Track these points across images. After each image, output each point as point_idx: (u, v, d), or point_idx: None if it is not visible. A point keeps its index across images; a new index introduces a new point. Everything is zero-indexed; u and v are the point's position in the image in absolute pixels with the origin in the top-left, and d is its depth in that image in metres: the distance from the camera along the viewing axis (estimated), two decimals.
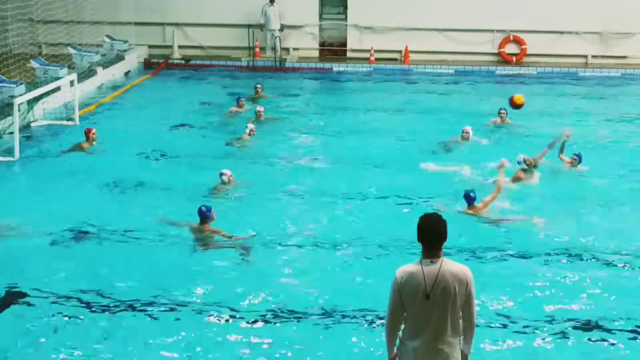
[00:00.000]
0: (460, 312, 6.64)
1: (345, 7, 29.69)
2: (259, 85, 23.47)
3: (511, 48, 29.20)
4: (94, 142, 17.44)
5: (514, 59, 28.98)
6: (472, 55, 29.19)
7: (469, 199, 13.28)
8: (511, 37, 29.03)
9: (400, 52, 29.16)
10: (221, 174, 14.66)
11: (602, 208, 13.99)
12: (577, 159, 15.81)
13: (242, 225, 12.74)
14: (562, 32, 28.83)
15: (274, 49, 28.89)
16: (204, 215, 12.17)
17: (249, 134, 18.20)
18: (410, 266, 6.65)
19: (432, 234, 6.56)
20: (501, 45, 29.15)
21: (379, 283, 9.73)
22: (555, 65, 28.52)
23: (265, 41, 29.17)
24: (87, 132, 17.52)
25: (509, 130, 19.40)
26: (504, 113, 19.83)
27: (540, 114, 21.45)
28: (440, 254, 6.60)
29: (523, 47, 29.00)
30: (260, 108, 20.40)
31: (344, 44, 29.95)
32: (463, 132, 17.98)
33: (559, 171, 15.80)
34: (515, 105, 15.44)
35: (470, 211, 13.22)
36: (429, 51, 29.04)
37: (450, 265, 6.60)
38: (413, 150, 17.66)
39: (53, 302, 10.20)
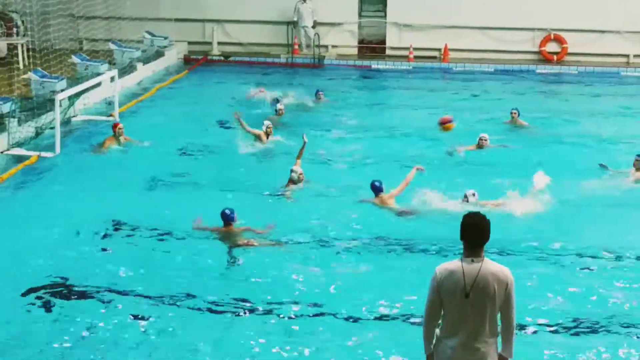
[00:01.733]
0: (499, 313, 6.60)
1: (385, 5, 29.62)
2: (321, 92, 22.65)
3: (552, 47, 28.97)
4: (121, 137, 17.42)
5: (555, 57, 28.74)
6: (513, 54, 28.99)
7: (376, 189, 13.51)
8: (552, 36, 28.80)
9: (439, 50, 29.04)
10: (292, 171, 14.47)
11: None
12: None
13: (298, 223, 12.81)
14: (603, 31, 28.53)
15: (308, 46, 28.94)
16: (229, 218, 12.18)
17: (266, 132, 17.62)
18: (451, 264, 6.63)
19: (474, 232, 6.52)
20: (542, 43, 28.93)
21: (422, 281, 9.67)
22: (596, 65, 28.24)
23: (300, 38, 29.22)
24: (114, 127, 17.53)
25: (522, 131, 19.21)
26: (515, 113, 19.70)
27: (577, 114, 21.33)
28: (482, 253, 6.57)
29: (564, 45, 28.75)
30: (280, 106, 20.31)
31: (383, 42, 29.89)
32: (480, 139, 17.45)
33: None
34: (444, 127, 15.88)
35: (377, 201, 13.40)
36: (469, 49, 28.89)
37: (490, 265, 6.57)
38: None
39: (88, 296, 10.30)
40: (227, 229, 12.19)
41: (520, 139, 18.56)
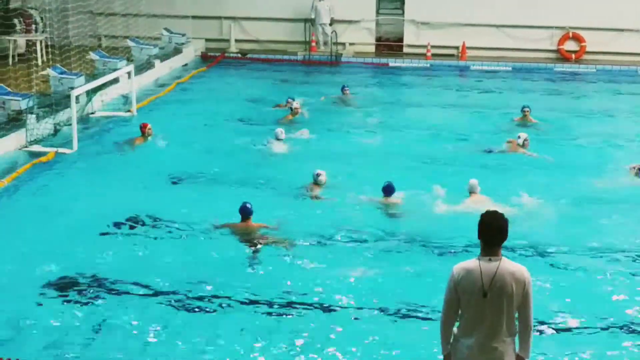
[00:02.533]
0: (516, 313, 6.58)
1: (402, 3, 29.55)
2: (347, 88, 22.53)
3: (570, 45, 28.79)
4: (149, 138, 17.49)
5: (573, 56, 28.58)
6: (531, 52, 28.84)
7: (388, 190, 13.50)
8: (570, 34, 28.63)
9: (457, 48, 28.94)
10: (317, 175, 14.33)
11: None
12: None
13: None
14: (622, 30, 28.34)
15: (325, 43, 28.93)
16: (248, 212, 12.24)
17: (278, 138, 17.46)
18: (468, 263, 6.61)
19: (492, 231, 6.50)
20: (560, 42, 28.77)
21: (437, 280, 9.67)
22: (615, 63, 28.06)
23: (317, 36, 29.19)
24: (143, 127, 17.53)
25: (533, 129, 19.09)
26: (527, 111, 19.59)
27: (595, 113, 21.28)
28: (500, 252, 6.54)
29: (582, 44, 28.59)
30: (297, 105, 20.27)
31: (401, 39, 29.81)
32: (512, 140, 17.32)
33: None
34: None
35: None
36: (487, 47, 28.75)
37: (508, 264, 6.54)
38: (467, 148, 17.54)
39: (108, 291, 10.36)
40: (245, 225, 12.24)
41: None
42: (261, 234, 12.17)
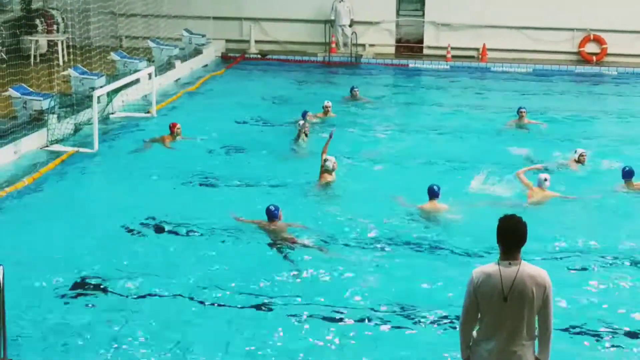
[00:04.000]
0: (536, 317, 6.56)
1: (422, 4, 29.52)
2: (356, 89, 22.42)
3: (591, 47, 28.67)
4: (178, 137, 17.60)
5: (594, 58, 28.45)
6: (551, 54, 28.75)
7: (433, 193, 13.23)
8: (591, 36, 28.51)
9: (477, 49, 28.87)
10: (326, 160, 14.52)
11: None
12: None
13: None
14: None
15: (345, 44, 28.93)
16: (273, 215, 12.31)
17: (304, 133, 17.52)
18: (487, 267, 6.60)
19: (511, 235, 6.48)
20: (581, 44, 28.64)
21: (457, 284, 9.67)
22: (636, 66, 27.89)
23: (337, 37, 29.19)
24: (172, 127, 17.64)
25: (531, 131, 19.11)
26: (524, 112, 19.47)
27: (616, 115, 21.18)
28: (519, 256, 6.53)
29: (604, 46, 28.45)
30: (327, 103, 20.27)
31: (421, 41, 29.78)
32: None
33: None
34: None
35: (428, 206, 13.21)
36: (507, 49, 28.68)
37: (528, 268, 6.53)
38: (486, 151, 17.48)
39: (129, 295, 10.39)
40: (271, 224, 12.33)
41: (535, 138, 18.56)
42: (289, 233, 12.24)
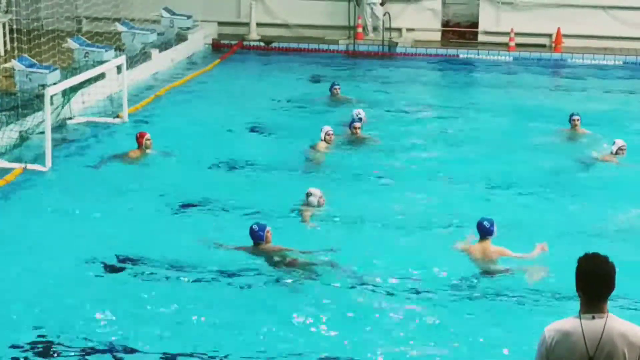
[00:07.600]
0: None
1: None
2: (337, 86, 22.66)
3: None
4: (148, 150, 17.65)
5: None
6: None
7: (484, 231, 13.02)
8: None
9: (550, 36, 28.94)
10: (308, 194, 14.66)
11: None
12: None
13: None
14: None
15: (376, 29, 28.98)
16: (257, 236, 12.53)
17: (326, 141, 17.97)
18: (564, 322, 6.59)
19: (596, 281, 6.48)
20: None
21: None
22: None
23: (365, 19, 29.23)
24: (140, 138, 17.65)
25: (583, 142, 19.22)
26: (577, 119, 19.53)
27: None
28: (606, 308, 6.53)
29: None
30: (360, 111, 20.39)
31: (475, 25, 29.91)
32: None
33: None
34: None
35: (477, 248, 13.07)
36: (590, 35, 28.71)
37: (618, 323, 6.52)
38: (558, 168, 17.64)
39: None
40: (255, 248, 12.59)
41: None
42: (289, 256, 12.56)
